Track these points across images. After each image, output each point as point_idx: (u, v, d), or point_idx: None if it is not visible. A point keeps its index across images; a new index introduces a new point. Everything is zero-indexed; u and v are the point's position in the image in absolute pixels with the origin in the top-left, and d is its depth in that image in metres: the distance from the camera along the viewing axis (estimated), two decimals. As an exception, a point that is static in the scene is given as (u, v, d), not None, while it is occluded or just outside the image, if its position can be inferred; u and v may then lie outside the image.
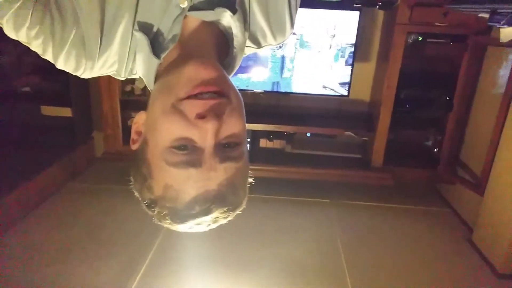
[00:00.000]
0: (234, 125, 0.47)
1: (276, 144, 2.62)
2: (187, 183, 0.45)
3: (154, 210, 0.49)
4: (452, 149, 2.33)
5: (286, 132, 2.54)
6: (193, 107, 0.45)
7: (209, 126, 0.44)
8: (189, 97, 0.45)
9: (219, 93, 0.46)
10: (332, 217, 2.21)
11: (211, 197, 0.46)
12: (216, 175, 0.45)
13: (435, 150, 2.45)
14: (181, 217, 0.47)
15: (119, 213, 2.05)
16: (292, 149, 2.61)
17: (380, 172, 2.38)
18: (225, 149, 0.47)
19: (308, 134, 2.61)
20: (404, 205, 2.37)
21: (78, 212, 2.11)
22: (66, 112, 2.54)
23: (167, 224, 0.50)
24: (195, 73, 0.46)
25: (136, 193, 0.52)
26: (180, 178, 0.45)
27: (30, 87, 2.60)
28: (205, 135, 0.44)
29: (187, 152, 0.45)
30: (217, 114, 0.44)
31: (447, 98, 2.26)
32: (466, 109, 2.26)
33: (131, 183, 0.52)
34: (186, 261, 1.76)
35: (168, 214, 0.48)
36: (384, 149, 2.36)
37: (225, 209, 0.47)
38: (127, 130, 2.48)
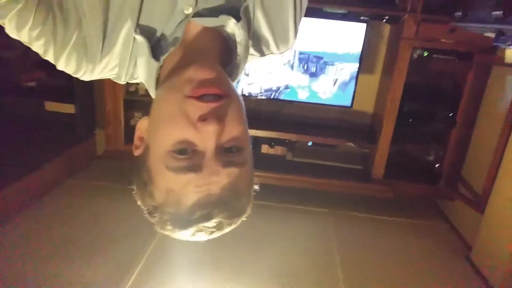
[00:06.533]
0: (236, 128, 0.46)
1: (277, 151, 2.62)
2: (188, 187, 0.44)
3: (156, 217, 0.48)
4: (453, 165, 2.32)
5: (287, 139, 2.53)
6: (195, 109, 0.44)
7: (210, 129, 0.43)
8: (192, 97, 0.45)
9: (220, 95, 0.46)
10: (330, 227, 2.20)
11: (212, 202, 0.44)
12: (218, 179, 0.44)
13: (437, 165, 2.44)
14: (182, 223, 0.46)
15: (117, 212, 2.04)
16: (293, 157, 2.60)
17: (380, 184, 2.37)
18: (227, 153, 0.46)
19: (310, 143, 2.61)
20: (403, 218, 2.36)
21: (76, 209, 2.10)
22: (70, 108, 2.55)
23: (168, 231, 0.48)
24: (196, 73, 0.46)
25: (138, 201, 0.51)
26: (180, 182, 0.44)
27: (36, 82, 2.62)
28: (206, 138, 0.44)
29: (188, 157, 0.44)
30: (218, 117, 0.44)
31: (451, 114, 2.26)
32: (469, 126, 2.26)
33: (133, 191, 0.51)
34: (181, 263, 1.75)
35: (169, 220, 0.47)
36: (385, 162, 2.35)
37: (227, 214, 0.46)
38: (129, 129, 2.48)
